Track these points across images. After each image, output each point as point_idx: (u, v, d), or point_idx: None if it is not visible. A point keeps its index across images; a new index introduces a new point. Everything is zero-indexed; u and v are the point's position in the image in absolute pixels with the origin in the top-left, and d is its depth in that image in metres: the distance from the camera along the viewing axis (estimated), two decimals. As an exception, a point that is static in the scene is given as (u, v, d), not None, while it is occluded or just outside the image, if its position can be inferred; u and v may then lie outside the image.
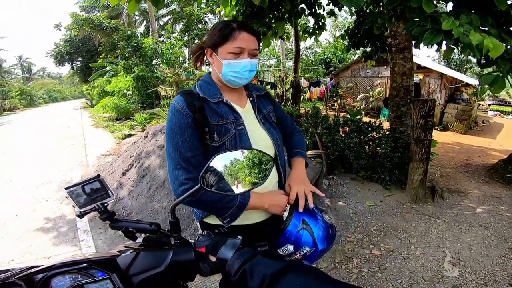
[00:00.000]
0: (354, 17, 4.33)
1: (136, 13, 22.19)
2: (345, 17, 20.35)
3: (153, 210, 3.29)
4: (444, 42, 2.05)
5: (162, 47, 11.74)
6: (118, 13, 19.26)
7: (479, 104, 12.77)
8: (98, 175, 0.78)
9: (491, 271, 2.37)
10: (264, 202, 1.00)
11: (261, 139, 1.06)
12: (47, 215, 3.52)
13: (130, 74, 10.83)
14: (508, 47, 1.79)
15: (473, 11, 1.97)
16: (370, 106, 11.00)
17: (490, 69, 2.01)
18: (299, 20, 4.73)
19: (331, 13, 4.44)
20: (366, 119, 4.31)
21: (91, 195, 0.76)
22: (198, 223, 1.16)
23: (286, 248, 0.92)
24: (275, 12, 3.75)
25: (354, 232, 2.91)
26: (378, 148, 4.00)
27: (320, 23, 4.29)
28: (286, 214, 1.07)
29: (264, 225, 1.11)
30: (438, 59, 19.65)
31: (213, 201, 0.94)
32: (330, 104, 12.48)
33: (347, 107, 11.23)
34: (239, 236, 0.71)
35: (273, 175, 1.12)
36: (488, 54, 1.70)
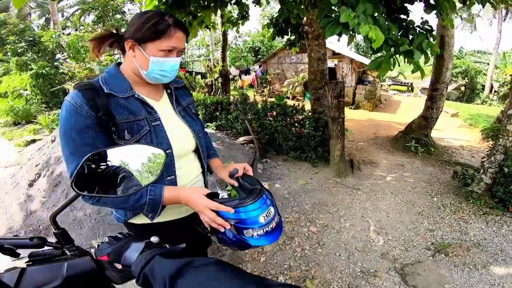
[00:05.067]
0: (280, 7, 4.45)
1: (32, 5, 18.70)
2: (273, 6, 20.94)
3: (76, 219, 2.90)
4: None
5: (67, 40, 10.19)
6: (6, 6, 15.90)
7: (381, 85, 14.93)
8: None
9: (408, 237, 2.68)
10: (178, 197, 0.89)
11: (180, 132, 1.01)
12: None
13: (26, 71, 9.14)
14: (393, 33, 2.08)
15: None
16: (296, 90, 11.78)
17: (379, 54, 2.33)
18: (225, 9, 4.66)
19: (257, 2, 4.48)
20: (292, 103, 4.58)
21: None
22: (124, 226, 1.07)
23: (269, 211, 0.85)
24: (201, 1, 3.58)
25: (291, 212, 3.04)
26: (303, 129, 4.30)
27: (244, 13, 4.29)
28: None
29: (194, 218, 1.08)
30: (349, 46, 22.11)
31: (116, 203, 0.87)
32: (260, 91, 12.92)
33: (276, 93, 11.79)
34: (153, 238, 0.66)
35: (196, 167, 1.11)
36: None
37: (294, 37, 5.05)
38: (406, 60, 2.19)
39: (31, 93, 9.41)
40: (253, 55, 18.53)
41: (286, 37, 5.22)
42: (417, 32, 2.67)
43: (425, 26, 2.82)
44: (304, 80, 11.17)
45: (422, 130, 5.44)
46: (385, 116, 9.30)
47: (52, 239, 0.74)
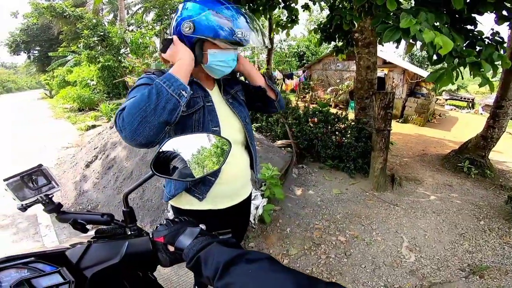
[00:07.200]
0: (328, 12, 4.41)
1: (104, 1, 21.00)
2: (319, 11, 20.66)
3: (121, 202, 3.18)
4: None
5: (131, 37, 11.17)
6: (83, 1, 18.04)
7: (437, 99, 13.74)
8: (40, 165, 0.71)
9: (444, 257, 2.54)
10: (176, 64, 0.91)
11: (229, 118, 1.10)
12: (4, 212, 3.27)
13: (94, 63, 10.20)
14: (458, 44, 1.94)
15: (432, 9, 2.10)
16: (339, 98, 11.40)
17: (440, 65, 2.18)
18: (274, 12, 4.72)
19: (306, 7, 4.47)
20: (334, 111, 4.48)
21: (33, 186, 0.69)
22: (170, 207, 1.17)
23: None
24: (251, 4, 3.70)
25: (321, 219, 3.03)
26: (343, 138, 4.19)
27: (294, 17, 4.31)
28: None
29: (238, 208, 1.17)
30: (402, 55, 20.74)
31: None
32: (302, 96, 12.74)
33: (318, 99, 11.55)
34: (201, 225, 0.70)
35: (243, 157, 1.16)
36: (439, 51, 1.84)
37: (341, 43, 4.94)
38: (471, 73, 2.02)
39: (96, 83, 10.48)
40: (297, 60, 18.41)
41: (333, 43, 5.11)
42: (486, 43, 2.46)
43: (496, 38, 2.58)
44: (349, 88, 10.79)
45: (478, 151, 4.92)
46: (437, 133, 8.56)
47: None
